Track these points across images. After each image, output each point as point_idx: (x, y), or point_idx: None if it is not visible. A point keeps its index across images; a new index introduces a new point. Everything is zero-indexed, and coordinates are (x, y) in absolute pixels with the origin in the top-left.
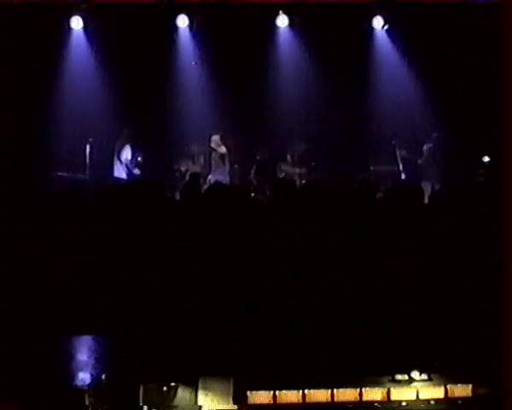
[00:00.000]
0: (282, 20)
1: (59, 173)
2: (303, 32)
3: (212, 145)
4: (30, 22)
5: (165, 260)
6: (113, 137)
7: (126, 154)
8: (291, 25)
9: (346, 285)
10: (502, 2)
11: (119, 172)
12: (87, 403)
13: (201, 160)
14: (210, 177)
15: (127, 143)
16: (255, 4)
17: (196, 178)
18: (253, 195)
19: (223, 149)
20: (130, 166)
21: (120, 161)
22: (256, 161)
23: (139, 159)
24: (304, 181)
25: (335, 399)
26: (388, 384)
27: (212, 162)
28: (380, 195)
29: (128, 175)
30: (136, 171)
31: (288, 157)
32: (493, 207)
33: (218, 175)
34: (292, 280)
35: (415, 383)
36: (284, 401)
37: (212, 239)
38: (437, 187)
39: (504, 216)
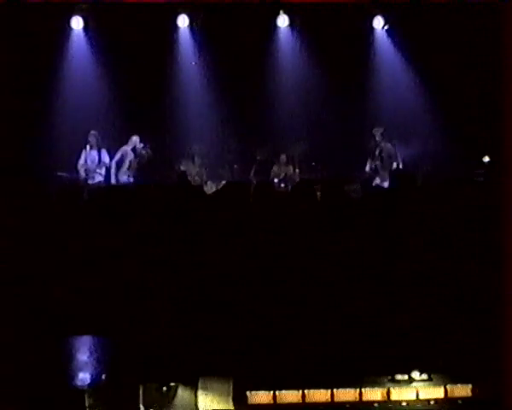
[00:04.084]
0: (282, 20)
1: (59, 173)
2: (303, 32)
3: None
4: (30, 22)
5: (166, 260)
6: (114, 137)
7: (85, 157)
8: (291, 25)
9: (347, 286)
10: (502, 2)
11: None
12: (87, 403)
13: (201, 160)
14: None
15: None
16: (255, 4)
17: (184, 176)
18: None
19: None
20: (91, 170)
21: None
22: (256, 161)
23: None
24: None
25: (335, 399)
26: (388, 384)
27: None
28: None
29: (90, 179)
30: (98, 176)
31: (283, 157)
32: (493, 207)
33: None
34: (292, 281)
35: (415, 383)
36: (284, 401)
37: (211, 240)
38: (436, 186)
39: (504, 215)
